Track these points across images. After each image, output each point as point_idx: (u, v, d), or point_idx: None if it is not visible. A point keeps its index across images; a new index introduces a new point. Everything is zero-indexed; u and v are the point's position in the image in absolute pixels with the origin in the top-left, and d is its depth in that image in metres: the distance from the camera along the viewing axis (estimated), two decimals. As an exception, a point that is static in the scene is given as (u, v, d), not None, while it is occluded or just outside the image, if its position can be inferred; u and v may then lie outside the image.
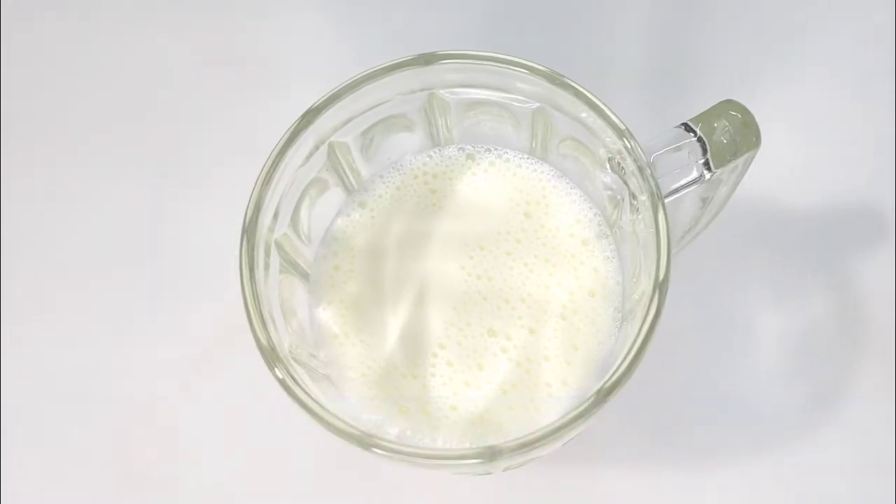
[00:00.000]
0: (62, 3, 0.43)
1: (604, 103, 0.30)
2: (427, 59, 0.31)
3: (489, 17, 0.42)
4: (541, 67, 0.30)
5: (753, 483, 0.38)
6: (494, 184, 0.35)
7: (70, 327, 0.40)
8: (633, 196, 0.31)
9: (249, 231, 0.30)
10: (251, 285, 0.29)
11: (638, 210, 0.30)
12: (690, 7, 0.42)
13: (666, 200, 0.29)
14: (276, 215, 0.31)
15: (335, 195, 0.35)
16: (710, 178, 0.31)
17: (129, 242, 0.41)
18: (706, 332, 0.39)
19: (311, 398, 0.28)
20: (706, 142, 0.30)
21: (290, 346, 0.31)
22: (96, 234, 0.41)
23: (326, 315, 0.34)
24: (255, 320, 0.29)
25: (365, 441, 0.28)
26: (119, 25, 0.43)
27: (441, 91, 0.33)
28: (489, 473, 0.38)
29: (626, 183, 0.31)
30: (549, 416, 0.32)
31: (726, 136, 0.30)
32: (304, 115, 0.31)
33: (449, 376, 0.33)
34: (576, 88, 0.30)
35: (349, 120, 0.32)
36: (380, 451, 0.28)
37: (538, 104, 0.32)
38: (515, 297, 0.34)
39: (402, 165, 0.36)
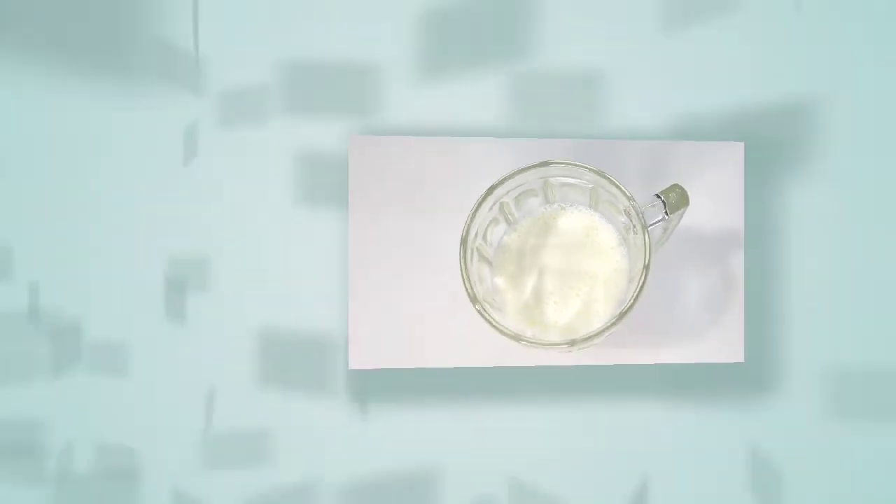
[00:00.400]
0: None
1: (622, 185, 0.49)
2: (544, 163, 0.49)
3: (569, 146, 0.58)
4: (595, 168, 0.49)
5: (683, 355, 0.58)
6: (574, 222, 0.53)
7: (390, 290, 0.57)
8: (634, 227, 0.49)
9: (464, 242, 0.49)
10: (465, 267, 0.49)
11: (636, 233, 0.49)
12: (664, 144, 0.58)
13: (649, 229, 0.48)
14: (476, 235, 0.50)
15: (502, 226, 0.53)
16: (667, 219, 0.49)
17: (403, 254, 0.58)
18: (664, 289, 0.57)
19: (493, 318, 0.48)
20: (665, 202, 0.48)
21: (483, 295, 0.50)
22: (397, 251, 0.57)
23: (499, 281, 0.53)
24: (466, 282, 0.49)
25: (517, 338, 0.49)
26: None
27: (551, 178, 0.50)
28: (571, 351, 0.55)
29: (631, 221, 0.49)
30: (599, 325, 0.52)
31: (675, 199, 0.48)
32: (488, 190, 0.49)
33: (554, 309, 0.53)
34: (610, 179, 0.49)
35: (509, 191, 0.50)
36: (524, 343, 0.48)
37: (593, 185, 0.50)
38: (582, 271, 0.53)
39: (533, 212, 0.53)
